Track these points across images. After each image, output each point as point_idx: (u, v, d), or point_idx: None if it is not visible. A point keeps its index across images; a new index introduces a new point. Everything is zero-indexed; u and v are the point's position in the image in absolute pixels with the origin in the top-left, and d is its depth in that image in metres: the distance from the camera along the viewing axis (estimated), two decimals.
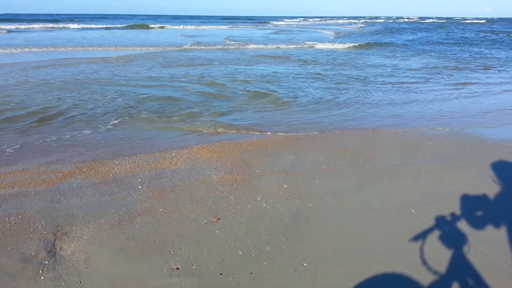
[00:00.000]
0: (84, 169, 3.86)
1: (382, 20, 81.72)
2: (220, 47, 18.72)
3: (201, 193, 3.37)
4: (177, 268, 2.37)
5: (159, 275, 2.31)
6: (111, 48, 17.21)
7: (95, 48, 16.95)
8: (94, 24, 41.68)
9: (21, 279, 2.26)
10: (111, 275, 2.31)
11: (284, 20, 78.21)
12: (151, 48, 17.31)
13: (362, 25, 54.11)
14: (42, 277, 2.28)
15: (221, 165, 3.99)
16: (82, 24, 40.27)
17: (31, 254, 2.49)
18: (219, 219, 2.94)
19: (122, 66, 11.41)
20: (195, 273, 2.33)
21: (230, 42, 21.19)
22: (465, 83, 9.37)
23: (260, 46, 19.41)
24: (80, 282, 2.25)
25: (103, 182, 3.57)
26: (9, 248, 2.55)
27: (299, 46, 19.77)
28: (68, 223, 2.87)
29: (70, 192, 3.37)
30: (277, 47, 19.06)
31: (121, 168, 3.90)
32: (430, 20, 78.45)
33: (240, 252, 2.54)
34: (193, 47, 18.21)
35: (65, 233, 2.74)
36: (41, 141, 4.83)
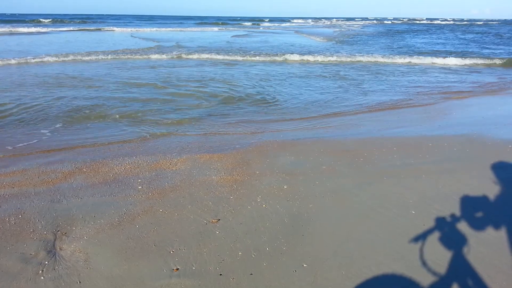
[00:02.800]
0: (84, 169, 3.86)
1: (389, 22, 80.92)
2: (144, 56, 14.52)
3: (201, 193, 3.37)
4: (177, 269, 2.37)
5: (159, 276, 2.31)
6: None
7: None
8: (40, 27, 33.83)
9: (21, 279, 2.26)
10: (111, 275, 2.31)
11: (292, 21, 77.93)
12: None
13: (357, 26, 52.34)
14: (42, 277, 2.28)
15: (221, 166, 3.99)
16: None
17: (31, 254, 2.49)
18: (219, 219, 2.94)
19: None
20: (195, 274, 2.33)
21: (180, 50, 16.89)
22: None
23: (213, 56, 15.10)
24: (80, 282, 2.25)
25: (103, 183, 3.57)
26: (9, 248, 2.55)
27: (268, 58, 14.87)
28: (68, 223, 2.87)
29: (70, 192, 3.37)
30: (233, 59, 14.61)
31: (121, 168, 3.90)
32: (436, 22, 77.80)
33: (240, 253, 2.54)
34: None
35: (65, 233, 2.74)
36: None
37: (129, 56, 14.48)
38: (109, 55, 14.29)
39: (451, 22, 74.89)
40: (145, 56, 14.63)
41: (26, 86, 8.34)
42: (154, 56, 14.74)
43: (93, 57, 13.81)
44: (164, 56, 14.82)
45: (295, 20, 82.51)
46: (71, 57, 13.60)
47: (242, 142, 4.79)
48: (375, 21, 78.97)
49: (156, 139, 4.95)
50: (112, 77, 9.74)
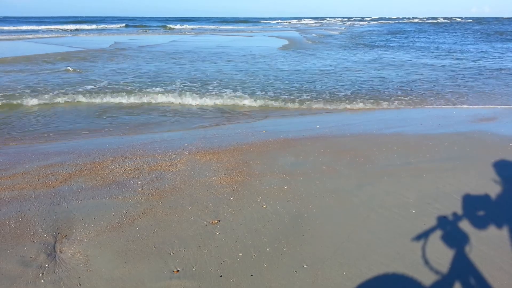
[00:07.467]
0: (85, 172, 3.86)
1: (387, 21, 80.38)
2: None
3: (201, 195, 3.36)
4: (177, 271, 2.37)
5: (159, 278, 2.30)
6: None
7: None
8: None
9: (21, 282, 2.26)
10: (111, 277, 2.31)
11: (293, 21, 77.70)
12: None
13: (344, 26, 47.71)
14: (42, 280, 2.28)
15: (221, 167, 3.98)
16: None
17: (31, 257, 2.49)
18: (219, 221, 2.94)
19: None
20: (195, 276, 2.32)
21: None
22: None
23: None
24: (80, 285, 2.24)
25: (103, 185, 3.57)
26: (9, 251, 2.55)
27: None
28: (68, 225, 2.87)
29: (70, 194, 3.37)
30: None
31: (121, 170, 3.90)
32: (432, 21, 77.47)
33: (240, 254, 2.53)
34: None
35: (65, 235, 2.74)
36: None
37: None
38: None
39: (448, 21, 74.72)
40: None
41: None
42: None
43: None
44: None
45: (294, 21, 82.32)
46: None
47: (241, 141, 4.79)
48: (367, 21, 78.53)
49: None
50: None
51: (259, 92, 8.16)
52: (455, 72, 11.15)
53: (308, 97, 7.78)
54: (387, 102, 7.43)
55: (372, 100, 7.52)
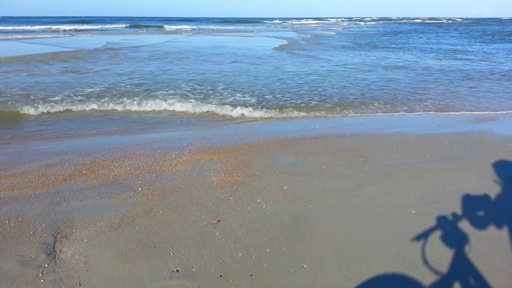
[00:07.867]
0: (84, 172, 3.86)
1: (383, 22, 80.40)
2: None
3: (201, 195, 3.36)
4: (177, 271, 2.37)
5: (159, 278, 2.30)
6: None
7: None
8: None
9: (20, 282, 2.26)
10: (111, 277, 2.31)
11: (294, 21, 77.69)
12: None
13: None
14: (42, 280, 2.28)
15: (221, 167, 3.98)
16: None
17: (30, 257, 2.49)
18: (219, 221, 2.94)
19: None
20: (195, 276, 2.33)
21: None
22: None
23: None
24: (79, 285, 2.24)
25: (103, 184, 3.57)
26: (9, 251, 2.55)
27: None
28: (68, 225, 2.87)
29: (70, 194, 3.37)
30: None
31: (121, 170, 3.90)
32: (433, 22, 77.52)
33: (240, 254, 2.53)
34: None
35: (65, 235, 2.74)
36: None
37: None
38: None
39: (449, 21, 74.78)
40: None
41: None
42: None
43: None
44: None
45: (294, 21, 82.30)
46: None
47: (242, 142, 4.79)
48: (361, 22, 78.57)
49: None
50: None
51: (268, 96, 7.80)
52: (464, 72, 11.06)
53: (320, 102, 7.30)
54: (406, 107, 7.07)
55: (389, 106, 7.15)
